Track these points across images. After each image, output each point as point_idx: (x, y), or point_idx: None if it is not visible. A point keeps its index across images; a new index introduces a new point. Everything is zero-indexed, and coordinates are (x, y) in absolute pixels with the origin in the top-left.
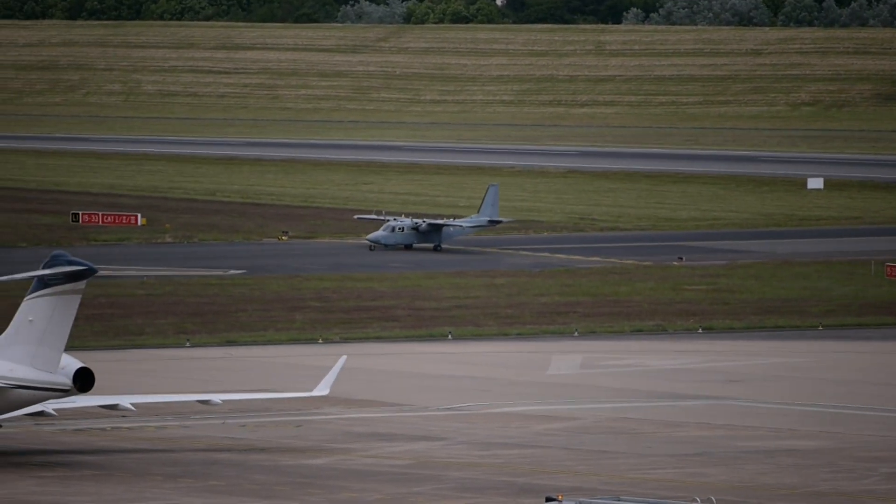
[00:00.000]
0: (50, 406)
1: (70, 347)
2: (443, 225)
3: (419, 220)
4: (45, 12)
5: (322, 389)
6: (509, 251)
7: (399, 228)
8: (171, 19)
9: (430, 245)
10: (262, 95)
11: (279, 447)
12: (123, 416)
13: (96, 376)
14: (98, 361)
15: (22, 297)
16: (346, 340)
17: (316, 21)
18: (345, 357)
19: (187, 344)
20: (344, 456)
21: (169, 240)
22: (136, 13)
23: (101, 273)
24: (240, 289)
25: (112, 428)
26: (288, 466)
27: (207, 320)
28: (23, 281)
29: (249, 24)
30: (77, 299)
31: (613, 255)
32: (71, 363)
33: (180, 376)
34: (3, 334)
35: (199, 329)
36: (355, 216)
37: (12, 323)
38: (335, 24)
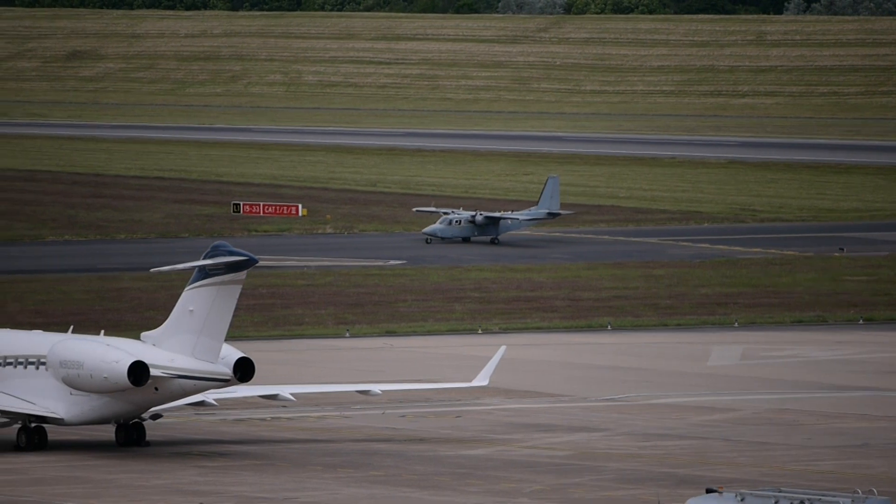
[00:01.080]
0: (210, 396)
1: (230, 337)
2: (499, 218)
3: (476, 213)
4: (206, 3)
5: (481, 380)
6: (656, 242)
7: (456, 221)
8: (332, 10)
9: (487, 238)
10: (422, 86)
11: (438, 437)
12: (283, 406)
13: (256, 366)
14: (258, 351)
15: (183, 287)
16: (505, 331)
17: (477, 11)
18: (504, 347)
19: (347, 334)
20: (503, 446)
21: (329, 230)
22: (298, 4)
23: (261, 263)
24: (400, 279)
25: (272, 418)
26: (447, 457)
27: (367, 311)
28: (184, 271)
29: (410, 14)
30: (237, 289)
31: (774, 246)
32: (231, 353)
33: (340, 366)
34: (164, 324)
35: (358, 319)
36: (414, 209)
37: (173, 313)
38: (496, 15)
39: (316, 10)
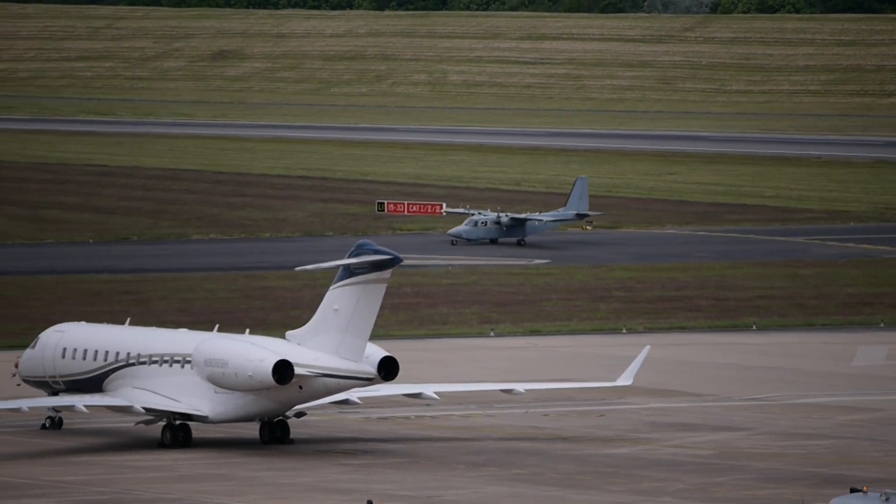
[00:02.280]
0: (354, 394)
1: (375, 336)
2: (525, 219)
3: (502, 215)
4: (352, 3)
5: (625, 379)
6: (802, 241)
7: (482, 223)
8: (477, 10)
9: (514, 239)
10: (566, 86)
11: (582, 436)
12: (427, 405)
13: (401, 365)
14: (403, 350)
15: (328, 286)
16: (649, 330)
17: (622, 11)
18: (648, 347)
19: (491, 333)
20: (647, 445)
21: None
22: (443, 3)
23: (406, 262)
24: (544, 278)
25: (416, 416)
26: (591, 456)
27: (511, 310)
28: (329, 270)
29: (555, 14)
30: (382, 288)
31: None
32: (375, 352)
33: (484, 365)
34: (309, 323)
35: (502, 318)
36: (444, 211)
37: (318, 312)
38: (641, 14)
39: (461, 9)
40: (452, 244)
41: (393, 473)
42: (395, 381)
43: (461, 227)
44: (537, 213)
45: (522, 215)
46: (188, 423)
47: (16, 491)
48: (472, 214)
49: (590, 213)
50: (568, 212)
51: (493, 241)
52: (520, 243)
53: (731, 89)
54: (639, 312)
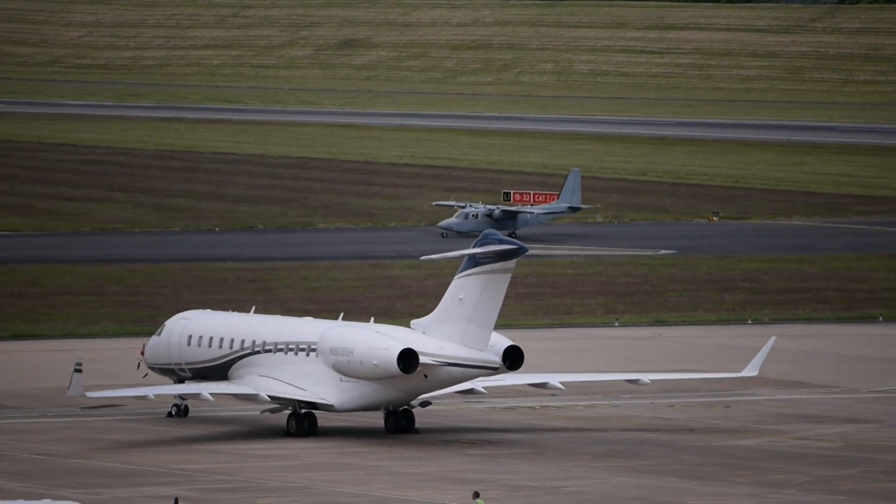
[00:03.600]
0: (479, 384)
1: (500, 326)
2: (517, 212)
3: (493, 207)
4: None
5: (751, 370)
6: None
7: (472, 215)
8: (603, 0)
9: (506, 232)
10: (693, 75)
11: (708, 427)
12: (552, 395)
13: (525, 355)
14: (527, 340)
15: (453, 276)
16: (775, 321)
17: (749, 1)
18: (774, 338)
19: (616, 323)
20: (772, 437)
21: (599, 219)
22: None
23: (531, 252)
24: (670, 269)
25: (541, 406)
26: (716, 447)
27: (636, 300)
28: (454, 259)
29: (682, 4)
30: (507, 278)
31: None
32: (500, 341)
33: (609, 356)
34: (434, 312)
35: (628, 309)
36: (434, 203)
37: (443, 301)
38: (769, 5)
39: (588, 0)
40: (443, 237)
41: (518, 463)
42: (520, 370)
43: (452, 220)
44: (529, 206)
45: (514, 208)
46: (313, 411)
47: (142, 478)
48: (463, 207)
49: (583, 206)
50: (560, 205)
51: None
52: (511, 236)
53: (858, 79)
54: (764, 303)
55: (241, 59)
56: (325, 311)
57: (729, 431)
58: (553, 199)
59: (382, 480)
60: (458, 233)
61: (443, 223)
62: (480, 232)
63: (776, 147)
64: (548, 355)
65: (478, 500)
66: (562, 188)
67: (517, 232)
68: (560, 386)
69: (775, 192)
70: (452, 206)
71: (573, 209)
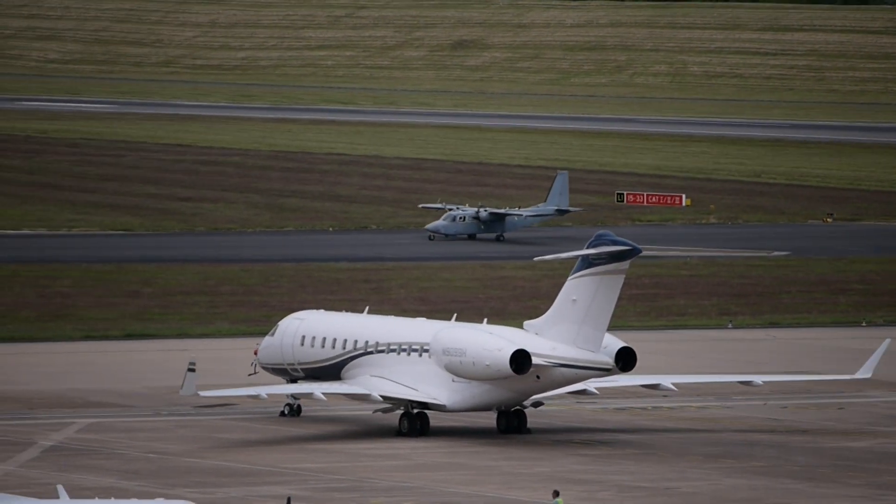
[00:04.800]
0: (592, 384)
1: (613, 327)
2: (505, 214)
3: (481, 210)
4: None
5: (865, 372)
6: None
7: (460, 218)
8: (718, 1)
9: (493, 235)
10: (808, 77)
11: (821, 429)
12: (665, 396)
13: (638, 356)
14: (640, 341)
15: (566, 276)
16: (890, 324)
17: (865, 3)
18: (888, 340)
19: (729, 325)
20: (886, 439)
21: (713, 221)
22: None
23: (645, 253)
24: (783, 270)
25: (653, 407)
26: (829, 449)
27: (750, 301)
28: (567, 260)
29: (797, 5)
30: (620, 279)
31: None
32: (613, 342)
33: (722, 357)
34: (547, 313)
35: (741, 310)
36: (419, 205)
37: (556, 302)
38: (884, 6)
39: (702, 1)
40: (430, 239)
41: (630, 464)
42: (632, 371)
43: (439, 222)
44: (517, 209)
45: (502, 210)
46: (426, 411)
47: (255, 477)
48: (450, 209)
49: (570, 208)
50: (548, 207)
51: (472, 237)
52: (499, 238)
53: None
54: (879, 305)
55: (355, 59)
56: (437, 311)
57: (842, 433)
58: (678, 201)
59: (494, 481)
60: (446, 235)
61: (430, 225)
62: (467, 234)
63: (890, 149)
64: (661, 357)
65: (557, 500)
66: (549, 191)
67: (505, 234)
68: (672, 387)
69: (889, 193)
70: (440, 208)
71: (561, 212)
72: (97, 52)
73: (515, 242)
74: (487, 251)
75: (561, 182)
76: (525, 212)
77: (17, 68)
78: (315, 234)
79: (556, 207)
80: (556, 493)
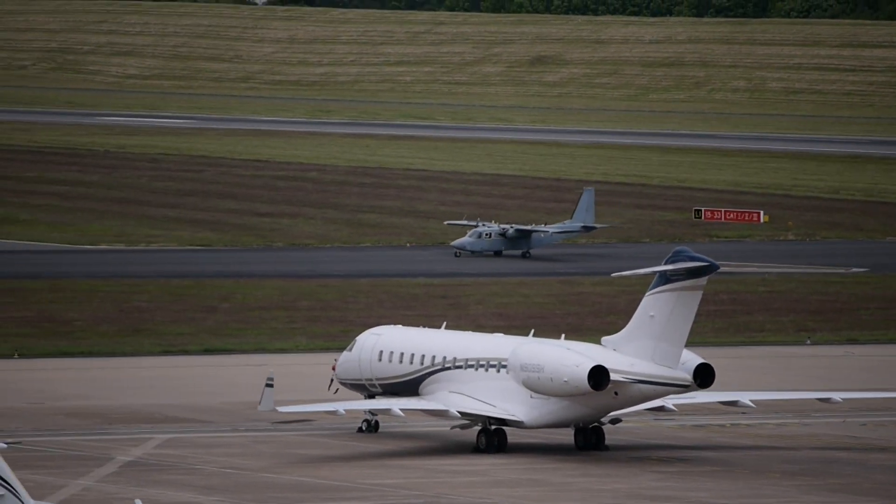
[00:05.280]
0: (670, 401)
1: (690, 343)
2: (531, 231)
3: (506, 226)
4: (671, 10)
5: None
6: None
7: (486, 234)
8: (797, 17)
9: (519, 252)
10: (887, 93)
11: None
12: (743, 413)
13: (716, 372)
14: (718, 357)
15: (643, 293)
16: None
17: None
18: None
19: (807, 341)
20: None
21: (791, 237)
22: (763, 11)
23: (722, 269)
24: (862, 287)
25: (731, 424)
26: None
27: (828, 318)
28: (645, 276)
29: (876, 21)
30: (698, 295)
31: None
32: (691, 359)
33: (800, 374)
34: (625, 329)
35: (819, 327)
36: (445, 222)
37: (633, 318)
38: None
39: (781, 17)
40: (456, 256)
41: (707, 481)
42: (710, 388)
43: (465, 239)
44: (543, 225)
45: (528, 227)
46: (503, 427)
47: (333, 493)
48: (475, 226)
49: (596, 225)
50: (574, 224)
51: (498, 253)
52: (525, 255)
53: None
54: None
55: (433, 75)
56: (515, 327)
57: None
58: (756, 217)
59: (572, 497)
60: (472, 252)
61: (456, 242)
62: (493, 251)
63: None
64: (739, 373)
65: None
66: (575, 207)
67: (531, 251)
68: (751, 404)
69: None
70: (464, 224)
71: (587, 228)
72: (176, 68)
73: (542, 259)
74: (513, 268)
75: (588, 198)
76: (551, 228)
77: (97, 84)
78: (393, 249)
79: (582, 224)
80: None
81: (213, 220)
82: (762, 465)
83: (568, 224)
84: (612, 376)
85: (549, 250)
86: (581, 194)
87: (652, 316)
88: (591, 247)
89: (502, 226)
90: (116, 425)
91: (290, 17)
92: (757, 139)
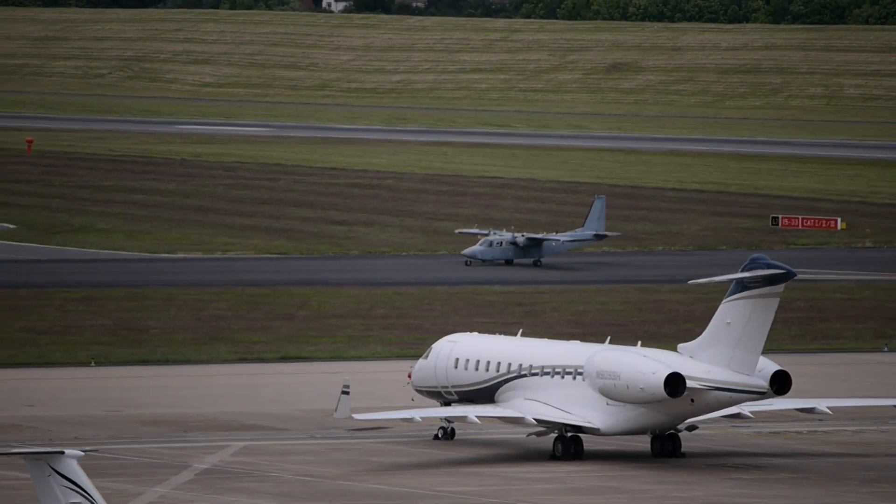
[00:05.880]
0: (746, 408)
1: (767, 350)
2: (542, 239)
3: (518, 235)
4: (748, 17)
5: None
6: None
7: (497, 243)
8: (874, 23)
9: (530, 260)
10: None
11: None
12: (820, 420)
13: (793, 379)
14: (795, 364)
15: (720, 300)
16: None
17: None
18: None
19: (885, 348)
20: None
21: (869, 244)
22: (839, 17)
23: (799, 277)
24: None
25: (808, 431)
26: None
27: None
28: (722, 284)
29: None
30: (775, 303)
31: None
32: (768, 366)
33: (877, 381)
34: (701, 336)
35: None
36: (456, 230)
37: (710, 325)
38: None
39: (858, 23)
40: (467, 265)
41: (785, 488)
42: (787, 395)
43: (476, 248)
44: (554, 234)
45: (539, 235)
46: (580, 435)
47: (409, 501)
48: (487, 234)
49: (608, 233)
50: (586, 232)
51: (509, 262)
52: (536, 264)
53: None
54: None
55: (509, 83)
56: (591, 334)
57: None
58: (833, 225)
59: None
60: (483, 261)
61: (466, 251)
62: (504, 260)
63: None
64: (815, 380)
65: None
66: (587, 215)
67: (542, 260)
68: (828, 411)
69: None
70: (476, 233)
71: (598, 237)
72: (252, 76)
73: (553, 268)
74: (525, 277)
75: (599, 206)
76: (562, 237)
77: (173, 92)
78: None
79: (594, 232)
80: None
81: (288, 229)
82: (839, 472)
83: (580, 232)
84: (689, 383)
85: (560, 258)
86: (592, 202)
87: (729, 323)
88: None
89: (514, 234)
90: (193, 433)
91: (367, 24)
92: (834, 146)
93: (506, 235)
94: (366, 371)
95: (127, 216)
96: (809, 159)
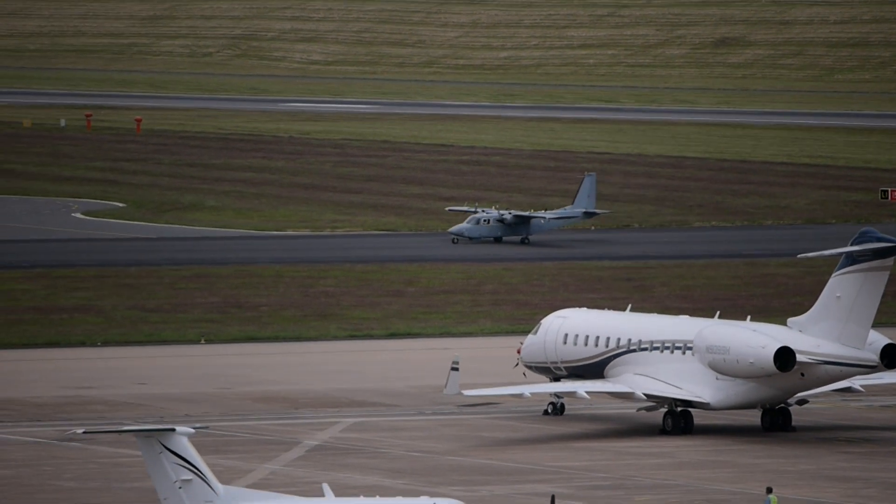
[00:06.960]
0: (857, 382)
1: (877, 324)
2: (530, 217)
3: (505, 212)
4: None
5: None
6: None
7: (484, 220)
8: None
9: (518, 238)
10: None
11: None
12: None
13: None
14: None
15: (830, 273)
16: None
17: None
18: None
19: None
20: None
21: None
22: None
23: None
24: None
25: None
26: None
27: None
28: (831, 257)
29: None
30: (885, 276)
31: None
32: (878, 339)
33: None
34: (811, 310)
35: None
36: (447, 208)
37: (820, 299)
38: None
39: None
40: (454, 242)
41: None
42: None
43: (463, 225)
44: (542, 211)
45: (527, 213)
46: (690, 409)
47: (519, 476)
48: (475, 212)
49: (598, 210)
50: (575, 210)
51: (497, 240)
52: (524, 241)
53: None
54: None
55: (616, 58)
56: (700, 309)
57: None
58: None
59: (758, 478)
60: (470, 238)
61: (453, 229)
62: (492, 237)
63: None
64: None
65: (770, 496)
66: (577, 193)
67: (530, 237)
68: None
69: None
70: (465, 210)
71: (588, 214)
72: (360, 53)
73: (541, 245)
74: (512, 254)
75: (589, 184)
76: (549, 214)
77: (281, 70)
78: (576, 232)
79: (583, 210)
80: (770, 490)
81: (397, 205)
82: None
83: (568, 210)
84: (798, 357)
85: (547, 236)
86: (582, 179)
87: (838, 297)
88: (587, 232)
89: (501, 212)
90: (303, 409)
91: (473, 1)
92: None
93: (493, 213)
94: (475, 347)
95: (236, 194)
96: None
